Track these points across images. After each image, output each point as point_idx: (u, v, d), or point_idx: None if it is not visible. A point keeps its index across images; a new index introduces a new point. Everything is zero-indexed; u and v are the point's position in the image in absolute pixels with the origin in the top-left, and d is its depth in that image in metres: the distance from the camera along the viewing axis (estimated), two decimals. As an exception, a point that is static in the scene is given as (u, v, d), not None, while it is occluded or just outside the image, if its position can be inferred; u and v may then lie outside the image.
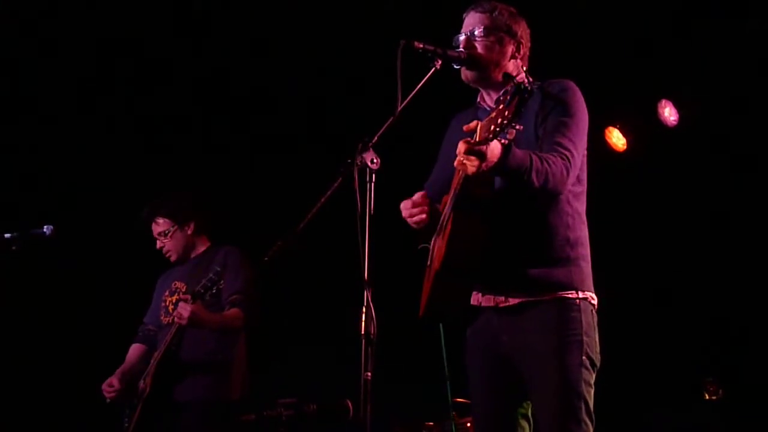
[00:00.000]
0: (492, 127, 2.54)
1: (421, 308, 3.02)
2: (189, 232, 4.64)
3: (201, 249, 4.66)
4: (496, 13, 3.08)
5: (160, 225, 4.63)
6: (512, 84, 2.50)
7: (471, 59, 3.03)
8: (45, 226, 4.11)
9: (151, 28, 5.67)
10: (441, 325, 3.06)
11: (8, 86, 5.70)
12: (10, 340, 5.83)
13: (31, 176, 6.06)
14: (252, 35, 5.82)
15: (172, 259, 4.66)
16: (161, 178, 6.22)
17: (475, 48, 3.04)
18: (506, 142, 2.67)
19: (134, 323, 4.95)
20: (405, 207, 3.02)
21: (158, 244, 4.66)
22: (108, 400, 4.44)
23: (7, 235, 4.11)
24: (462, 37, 3.06)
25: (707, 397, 6.24)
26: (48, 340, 6.09)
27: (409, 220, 3.02)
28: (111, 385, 4.41)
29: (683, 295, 6.26)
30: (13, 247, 4.11)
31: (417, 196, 3.02)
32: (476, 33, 3.05)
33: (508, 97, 2.50)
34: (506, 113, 2.50)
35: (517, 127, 2.58)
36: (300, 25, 5.71)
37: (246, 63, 5.98)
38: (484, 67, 3.05)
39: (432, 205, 3.06)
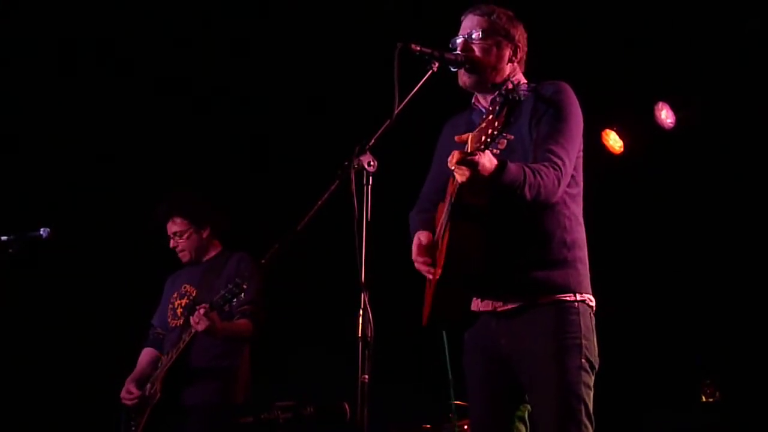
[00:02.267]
0: (483, 138, 2.55)
1: (424, 317, 3.03)
2: (204, 235, 4.63)
3: (213, 253, 4.66)
4: (495, 16, 3.08)
5: (177, 224, 4.58)
6: (503, 90, 2.51)
7: (468, 62, 3.03)
8: (42, 229, 4.11)
9: (150, 29, 5.67)
10: (444, 333, 3.07)
11: (7, 86, 5.70)
12: (8, 343, 5.83)
13: (28, 177, 6.06)
14: (250, 35, 5.82)
15: (185, 259, 4.63)
16: (159, 180, 6.22)
17: (473, 51, 3.03)
18: (497, 152, 2.67)
19: (132, 325, 4.95)
20: (413, 252, 3.05)
21: (171, 243, 4.62)
22: (129, 406, 4.41)
23: (3, 238, 4.10)
24: (459, 40, 3.06)
25: (704, 399, 6.24)
26: (46, 344, 6.09)
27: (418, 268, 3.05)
28: (130, 392, 4.39)
29: (681, 296, 6.27)
30: (10, 250, 4.10)
31: (425, 240, 3.02)
32: (474, 36, 3.04)
33: (497, 107, 2.51)
34: (496, 123, 2.51)
35: (508, 137, 2.58)
36: (299, 25, 5.71)
37: (244, 63, 5.97)
38: (482, 71, 3.04)
39: (430, 214, 3.12)
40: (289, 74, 5.99)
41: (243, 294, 4.11)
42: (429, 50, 2.95)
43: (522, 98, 2.51)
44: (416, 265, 3.02)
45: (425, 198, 3.31)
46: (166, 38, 5.75)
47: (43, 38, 5.60)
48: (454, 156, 2.61)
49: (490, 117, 2.53)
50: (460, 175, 2.62)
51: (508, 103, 2.48)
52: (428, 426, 5.09)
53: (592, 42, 5.56)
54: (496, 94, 3.00)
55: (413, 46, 2.90)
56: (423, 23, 4.75)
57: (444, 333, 3.07)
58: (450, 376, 3.09)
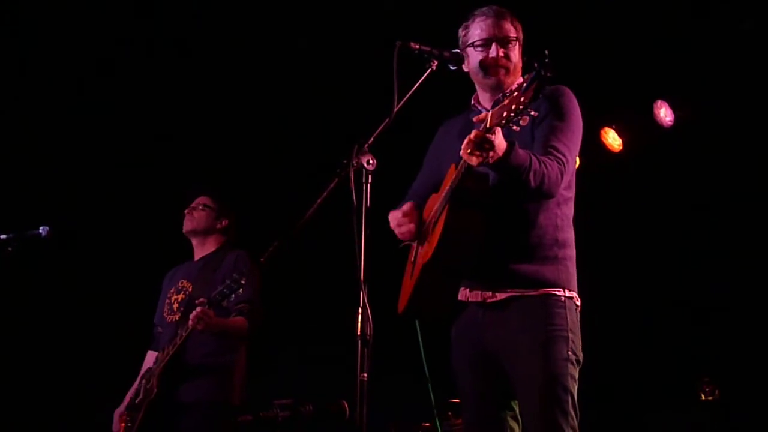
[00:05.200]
0: (505, 114, 2.55)
1: (401, 304, 3.04)
2: (218, 224, 4.71)
3: (212, 248, 4.68)
4: (514, 20, 3.13)
5: (205, 201, 4.73)
6: (535, 65, 2.48)
7: (502, 65, 3.05)
8: (41, 227, 4.10)
9: (148, 30, 5.67)
10: (418, 323, 3.09)
11: (7, 86, 5.70)
12: (7, 343, 5.82)
13: (28, 176, 6.05)
14: (248, 35, 5.82)
15: (187, 226, 4.70)
16: (158, 179, 6.23)
17: (507, 55, 3.06)
18: (518, 129, 2.67)
19: (131, 323, 4.95)
20: (394, 218, 3.11)
21: (187, 210, 4.72)
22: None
23: (2, 236, 4.09)
24: (491, 40, 3.05)
25: (703, 398, 6.25)
26: (45, 342, 6.08)
27: (396, 230, 3.11)
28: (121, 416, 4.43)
29: (679, 295, 6.27)
30: (9, 249, 4.10)
31: (407, 207, 3.10)
32: (506, 40, 3.07)
33: (525, 84, 2.50)
34: (522, 98, 2.50)
35: (533, 113, 2.57)
36: (298, 24, 5.71)
37: (242, 63, 5.97)
38: (512, 73, 3.08)
39: (418, 210, 3.14)
40: (288, 73, 5.98)
41: (241, 290, 4.14)
42: (428, 48, 2.98)
43: (551, 77, 2.50)
44: (399, 228, 3.06)
45: (413, 194, 3.34)
46: (163, 38, 5.74)
47: (41, 38, 5.59)
48: (472, 135, 2.61)
49: (515, 94, 2.53)
50: (476, 157, 2.62)
51: (539, 78, 2.47)
52: (427, 424, 5.09)
53: (591, 40, 5.56)
54: (500, 95, 3.04)
55: (412, 44, 2.94)
56: (423, 22, 4.75)
57: (418, 328, 3.08)
58: (427, 374, 3.09)
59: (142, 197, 6.24)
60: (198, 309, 4.13)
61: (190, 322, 4.15)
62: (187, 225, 4.70)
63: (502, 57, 3.05)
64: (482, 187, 2.83)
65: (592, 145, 5.99)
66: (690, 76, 5.77)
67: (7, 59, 5.62)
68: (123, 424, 4.38)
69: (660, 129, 6.01)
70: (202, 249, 4.71)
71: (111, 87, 5.93)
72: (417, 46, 2.94)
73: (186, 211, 4.72)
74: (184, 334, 4.24)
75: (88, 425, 5.62)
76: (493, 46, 3.05)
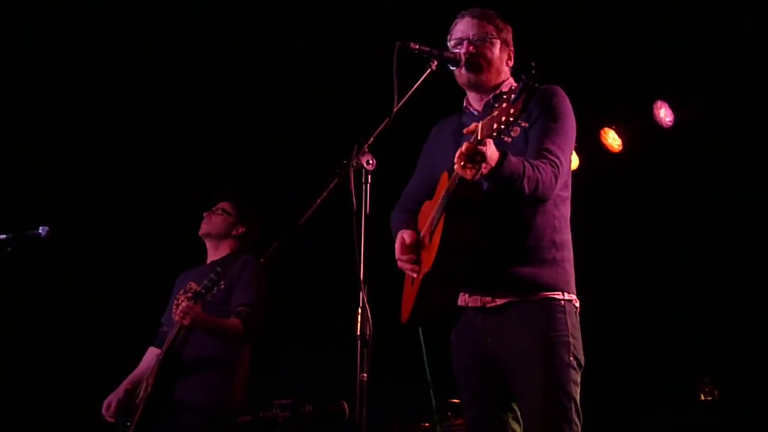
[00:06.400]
0: (495, 125, 2.53)
1: (405, 313, 3.05)
2: (235, 230, 4.69)
3: (224, 252, 4.68)
4: (496, 21, 3.13)
5: (225, 206, 4.72)
6: (523, 77, 2.48)
7: (473, 62, 3.05)
8: (40, 227, 4.10)
9: (149, 33, 5.68)
10: (420, 329, 3.09)
11: (7, 85, 5.70)
12: (6, 343, 5.82)
13: (28, 176, 6.05)
14: (248, 35, 5.82)
15: (202, 229, 4.70)
16: (159, 179, 6.23)
17: (482, 51, 3.07)
18: (510, 140, 2.66)
19: (130, 324, 4.95)
20: (398, 252, 3.11)
21: (206, 213, 4.72)
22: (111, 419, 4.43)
23: (2, 237, 4.09)
24: (464, 39, 3.08)
25: (703, 398, 6.25)
26: (45, 343, 6.09)
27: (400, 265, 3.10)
28: (108, 407, 4.41)
29: (679, 295, 6.27)
30: (9, 249, 4.09)
31: (409, 239, 3.08)
32: (478, 37, 3.07)
33: (513, 95, 2.50)
34: (512, 110, 2.49)
35: (523, 124, 2.56)
36: (298, 25, 5.71)
37: (243, 64, 5.97)
38: (487, 70, 3.08)
39: (411, 214, 3.18)
40: (289, 73, 5.98)
41: (222, 281, 4.18)
42: (428, 49, 2.98)
43: (541, 88, 2.50)
44: (399, 263, 3.08)
45: (408, 198, 3.34)
46: (163, 38, 5.75)
47: (41, 38, 5.60)
48: (463, 148, 2.61)
49: (504, 105, 2.52)
50: (469, 170, 2.62)
51: (528, 89, 2.47)
52: (427, 424, 5.09)
53: (591, 40, 5.56)
54: (501, 88, 3.04)
55: (412, 44, 2.94)
56: (423, 22, 4.75)
57: (421, 333, 3.09)
58: (429, 378, 3.09)
59: (141, 197, 6.24)
60: (183, 304, 4.14)
61: (177, 317, 4.18)
62: (203, 228, 4.70)
63: (473, 53, 3.05)
64: (476, 194, 2.83)
65: (592, 145, 6.00)
66: (690, 76, 5.77)
67: (8, 59, 5.62)
68: (113, 408, 4.37)
69: (660, 129, 6.01)
70: (215, 253, 4.69)
71: (111, 87, 5.93)
72: (417, 47, 2.94)
73: (205, 214, 4.72)
74: (175, 330, 4.26)
75: (89, 425, 5.62)
76: (464, 43, 3.07)
